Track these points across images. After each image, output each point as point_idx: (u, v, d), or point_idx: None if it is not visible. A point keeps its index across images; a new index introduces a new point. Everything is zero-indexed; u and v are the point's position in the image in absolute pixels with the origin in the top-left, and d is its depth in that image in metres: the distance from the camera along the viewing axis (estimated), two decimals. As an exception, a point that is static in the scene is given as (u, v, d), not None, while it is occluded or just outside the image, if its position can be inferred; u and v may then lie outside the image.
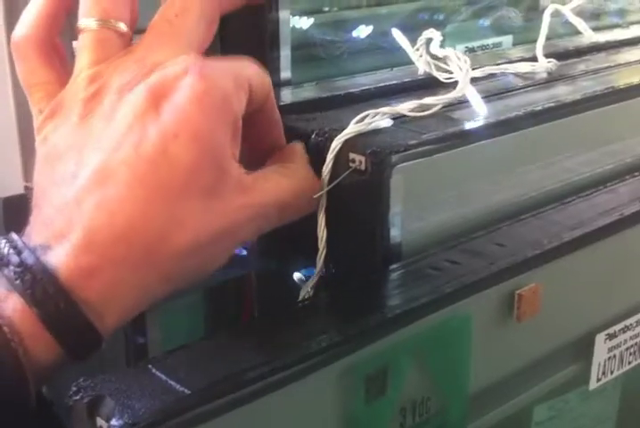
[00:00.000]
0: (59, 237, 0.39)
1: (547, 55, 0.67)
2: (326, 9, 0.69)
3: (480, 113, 0.53)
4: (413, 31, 0.64)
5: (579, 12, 0.85)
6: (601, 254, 0.55)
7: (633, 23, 0.84)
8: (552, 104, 0.56)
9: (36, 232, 0.39)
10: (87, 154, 0.40)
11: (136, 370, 0.39)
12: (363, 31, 0.69)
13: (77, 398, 0.37)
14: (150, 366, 0.39)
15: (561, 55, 0.70)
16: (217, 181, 0.41)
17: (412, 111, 0.51)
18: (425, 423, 0.47)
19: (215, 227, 0.41)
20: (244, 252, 0.55)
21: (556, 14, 0.72)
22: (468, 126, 0.52)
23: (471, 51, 0.75)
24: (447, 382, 0.48)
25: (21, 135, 0.55)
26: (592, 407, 0.73)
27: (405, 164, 0.48)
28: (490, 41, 0.77)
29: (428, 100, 0.51)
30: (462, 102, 0.55)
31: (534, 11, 0.81)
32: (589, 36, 0.73)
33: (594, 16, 0.90)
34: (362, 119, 0.50)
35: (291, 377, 0.40)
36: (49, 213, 0.40)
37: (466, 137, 0.51)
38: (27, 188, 0.59)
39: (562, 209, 0.57)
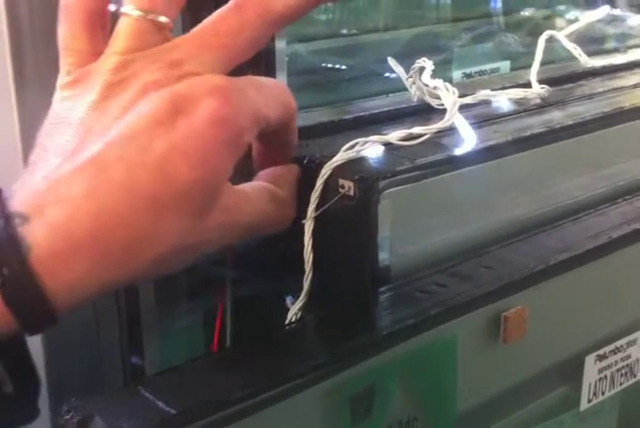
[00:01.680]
0: (41, 211, 0.38)
1: (543, 80, 0.69)
2: (324, 36, 0.71)
3: (468, 140, 0.54)
4: (412, 58, 0.66)
5: (583, 37, 0.86)
6: (589, 277, 0.56)
7: (631, 47, 0.85)
8: (539, 130, 0.57)
9: (19, 196, 0.39)
10: (92, 137, 0.41)
11: (125, 391, 0.41)
12: (361, 58, 0.70)
13: (68, 417, 0.39)
14: (139, 387, 0.40)
15: (556, 81, 0.71)
16: (208, 204, 0.42)
17: (401, 139, 0.52)
18: (413, 442, 0.48)
19: (190, 243, 0.42)
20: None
21: (551, 40, 0.73)
22: (456, 152, 0.53)
23: (468, 76, 0.76)
24: (434, 402, 0.49)
25: (26, 161, 0.56)
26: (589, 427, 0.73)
27: (392, 189, 0.49)
28: (488, 67, 0.78)
29: (416, 129, 0.53)
30: (452, 129, 0.56)
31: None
32: (585, 61, 0.74)
33: (598, 40, 0.92)
34: (352, 147, 0.51)
35: (274, 398, 0.41)
36: (39, 181, 0.40)
37: (454, 163, 0.52)
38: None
39: (551, 233, 0.58)
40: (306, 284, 0.50)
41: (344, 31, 0.72)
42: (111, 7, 0.45)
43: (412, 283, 0.51)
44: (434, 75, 0.65)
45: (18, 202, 0.39)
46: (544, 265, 0.53)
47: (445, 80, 0.71)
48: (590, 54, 0.77)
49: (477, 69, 0.77)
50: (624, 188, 0.64)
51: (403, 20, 0.80)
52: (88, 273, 0.39)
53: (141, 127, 0.40)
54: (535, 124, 0.59)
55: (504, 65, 0.79)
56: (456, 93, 0.56)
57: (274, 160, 0.51)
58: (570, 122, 0.60)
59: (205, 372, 0.43)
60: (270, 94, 0.46)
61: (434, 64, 0.72)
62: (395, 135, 0.52)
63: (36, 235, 0.38)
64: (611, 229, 0.58)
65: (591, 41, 0.86)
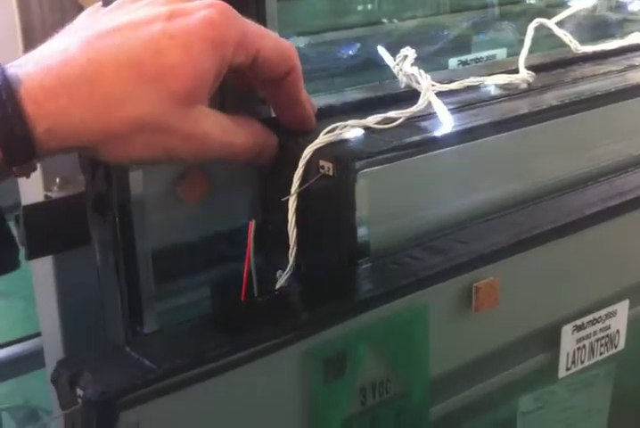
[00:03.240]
0: (38, 59, 0.45)
1: (535, 66, 0.71)
2: (322, 28, 0.75)
3: (445, 123, 0.58)
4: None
5: (581, 23, 0.89)
6: (560, 251, 0.60)
7: (628, 33, 0.87)
8: (514, 114, 0.61)
9: (20, 58, 0.46)
10: (102, 22, 0.47)
11: (114, 349, 0.45)
12: (358, 49, 0.74)
13: (62, 371, 0.43)
14: (126, 346, 0.45)
15: (547, 66, 0.74)
16: (183, 92, 0.47)
17: (377, 123, 0.56)
18: (387, 402, 0.52)
19: (159, 125, 0.47)
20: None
21: (541, 28, 0.76)
22: (430, 134, 0.57)
23: (464, 63, 0.80)
24: (407, 366, 0.53)
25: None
26: (582, 399, 0.77)
27: (368, 169, 0.53)
28: (485, 54, 0.82)
29: (392, 113, 0.57)
30: (432, 113, 0.60)
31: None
32: (575, 47, 0.76)
33: (597, 26, 0.94)
34: (332, 130, 0.55)
35: (251, 356, 0.45)
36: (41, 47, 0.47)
37: (428, 145, 0.56)
38: (47, 196, 0.65)
39: (527, 210, 0.61)
40: (291, 258, 0.55)
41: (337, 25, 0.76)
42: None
43: (389, 256, 0.55)
44: (431, 63, 0.68)
45: (16, 62, 0.46)
46: (515, 239, 0.57)
47: (440, 68, 0.75)
48: (588, 41, 0.80)
49: (473, 56, 0.81)
50: (605, 169, 0.67)
51: (404, 12, 0.84)
52: (68, 110, 0.44)
53: (142, 18, 0.47)
54: (515, 108, 0.63)
55: (501, 52, 0.83)
56: (429, 79, 0.60)
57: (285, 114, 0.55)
58: (548, 106, 0.63)
59: (188, 333, 0.47)
60: (267, 35, 0.51)
61: (432, 53, 0.76)
62: (372, 119, 0.56)
63: (30, 72, 0.44)
64: (586, 207, 0.61)
65: (590, 27, 0.89)
